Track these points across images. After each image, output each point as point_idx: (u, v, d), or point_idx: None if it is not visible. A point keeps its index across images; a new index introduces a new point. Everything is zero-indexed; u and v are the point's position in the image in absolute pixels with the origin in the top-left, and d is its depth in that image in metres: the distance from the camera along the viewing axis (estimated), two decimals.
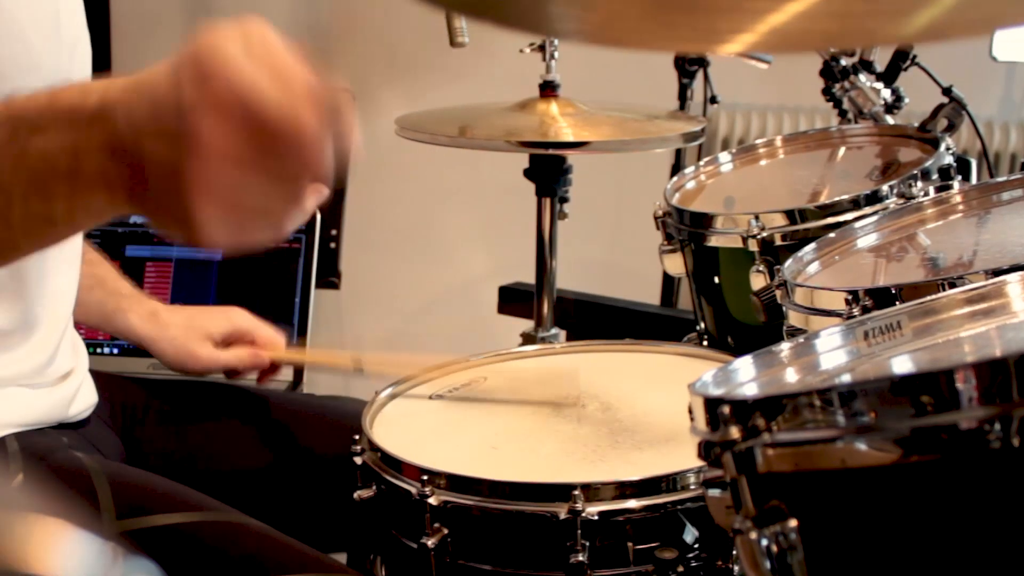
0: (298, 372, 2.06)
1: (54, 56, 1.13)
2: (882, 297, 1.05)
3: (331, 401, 1.52)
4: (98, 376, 1.33)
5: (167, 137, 0.71)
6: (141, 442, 1.36)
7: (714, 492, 0.77)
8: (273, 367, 1.48)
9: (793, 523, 0.71)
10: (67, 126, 0.75)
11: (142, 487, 1.16)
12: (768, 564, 0.71)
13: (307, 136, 0.72)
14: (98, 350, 2.06)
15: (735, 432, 0.71)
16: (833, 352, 0.92)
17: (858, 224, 1.31)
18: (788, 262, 1.23)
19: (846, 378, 0.89)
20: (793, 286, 1.16)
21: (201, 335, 1.44)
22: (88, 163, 0.75)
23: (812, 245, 1.27)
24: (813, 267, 1.26)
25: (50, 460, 1.17)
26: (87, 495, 1.10)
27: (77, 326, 1.33)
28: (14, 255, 0.84)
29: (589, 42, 0.74)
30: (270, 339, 1.47)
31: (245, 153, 0.71)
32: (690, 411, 0.76)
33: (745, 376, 0.87)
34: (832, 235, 1.29)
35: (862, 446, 0.67)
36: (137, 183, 0.74)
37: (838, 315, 1.07)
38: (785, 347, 0.91)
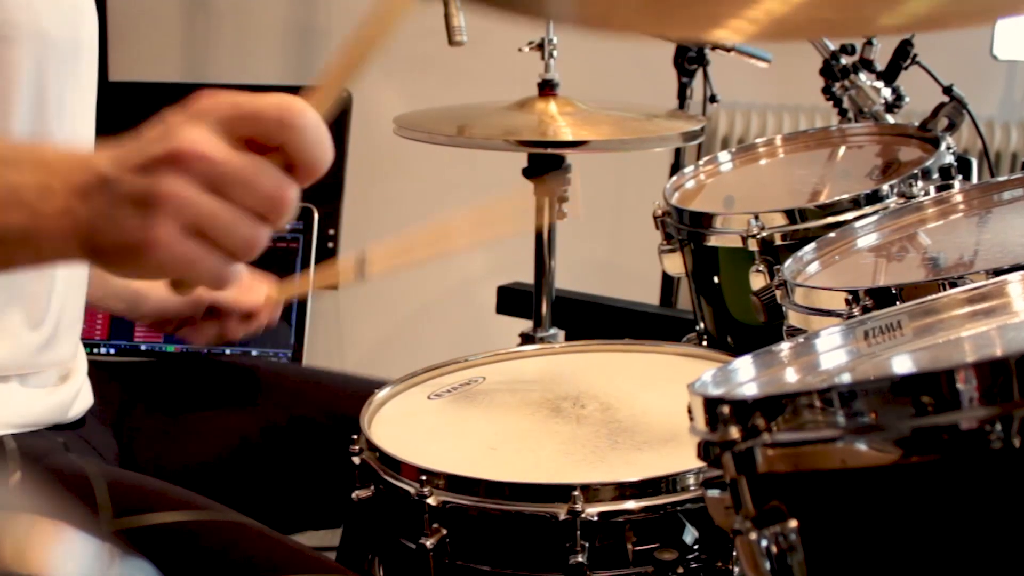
0: (296, 354, 2.06)
1: (59, 23, 1.13)
2: (882, 297, 1.05)
3: (333, 373, 1.52)
4: (90, 368, 1.33)
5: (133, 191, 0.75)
6: (135, 433, 1.36)
7: (713, 492, 0.77)
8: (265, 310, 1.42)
9: (793, 524, 0.71)
10: (43, 168, 0.78)
11: (138, 488, 1.16)
12: (768, 565, 0.71)
13: (298, 119, 0.76)
14: (96, 350, 2.06)
15: (735, 432, 0.71)
16: (833, 352, 0.91)
17: (858, 224, 1.30)
18: (788, 262, 1.23)
19: (846, 378, 0.89)
20: (793, 286, 1.16)
21: None
22: (54, 202, 0.76)
23: (812, 245, 1.27)
24: (813, 267, 1.26)
25: (46, 461, 1.16)
26: (84, 497, 1.10)
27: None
28: None
29: (586, 29, 0.73)
30: (265, 282, 1.42)
31: (205, 197, 0.74)
32: (689, 411, 0.76)
33: (745, 376, 0.87)
34: (832, 235, 1.29)
35: (862, 446, 0.67)
36: (95, 231, 0.76)
37: (838, 315, 1.07)
38: (785, 347, 0.91)
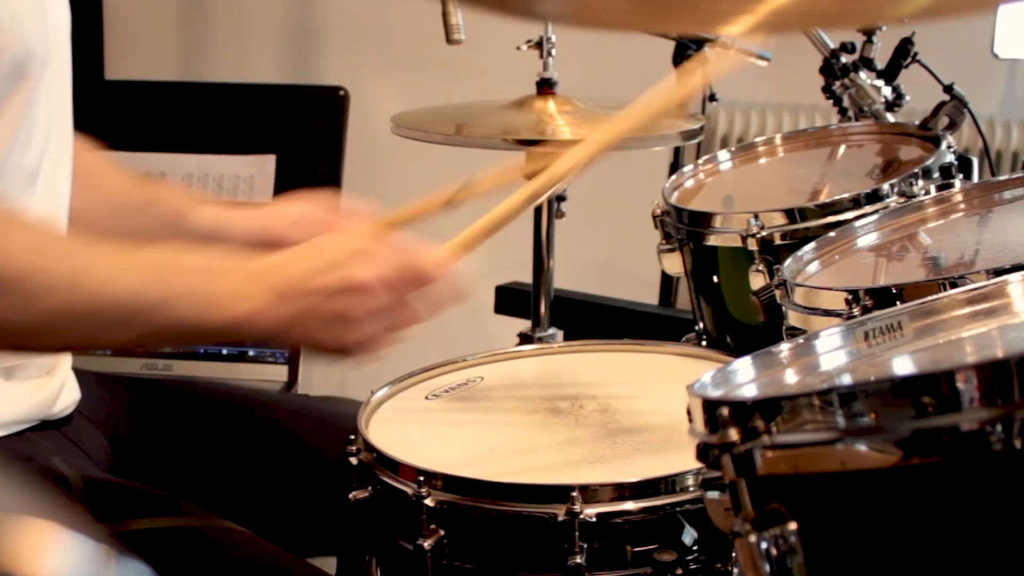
0: (292, 372, 2.05)
1: (37, 37, 1.13)
2: (883, 297, 1.04)
3: (326, 403, 1.51)
4: (85, 375, 1.32)
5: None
6: (127, 444, 1.35)
7: (713, 494, 0.77)
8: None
9: (793, 526, 0.71)
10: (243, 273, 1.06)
11: (123, 492, 1.15)
12: (768, 567, 0.71)
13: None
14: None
15: (734, 434, 0.71)
16: (833, 353, 0.91)
17: (858, 223, 1.30)
18: (788, 261, 1.23)
19: (846, 379, 0.88)
20: (793, 286, 1.16)
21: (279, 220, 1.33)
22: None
23: (812, 244, 1.27)
24: (813, 266, 1.26)
25: (34, 464, 1.16)
26: (70, 499, 1.09)
27: None
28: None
29: (583, 26, 0.73)
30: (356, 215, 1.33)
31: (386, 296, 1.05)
32: (688, 413, 0.76)
33: (744, 377, 0.87)
34: (832, 234, 1.29)
35: (862, 448, 0.67)
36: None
37: (838, 315, 1.06)
38: (784, 348, 0.90)
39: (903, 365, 0.90)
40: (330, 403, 1.50)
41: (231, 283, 1.04)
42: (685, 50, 2.22)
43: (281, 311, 1.03)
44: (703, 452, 0.75)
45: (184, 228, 1.34)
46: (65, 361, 1.28)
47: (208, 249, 1.11)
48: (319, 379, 2.45)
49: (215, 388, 1.47)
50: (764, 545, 0.71)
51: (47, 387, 1.23)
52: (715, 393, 0.81)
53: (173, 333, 1.08)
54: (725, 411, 0.72)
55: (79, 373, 1.31)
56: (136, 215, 1.33)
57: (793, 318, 1.14)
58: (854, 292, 1.06)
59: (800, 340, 0.91)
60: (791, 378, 0.89)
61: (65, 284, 1.00)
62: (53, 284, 1.00)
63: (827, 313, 1.09)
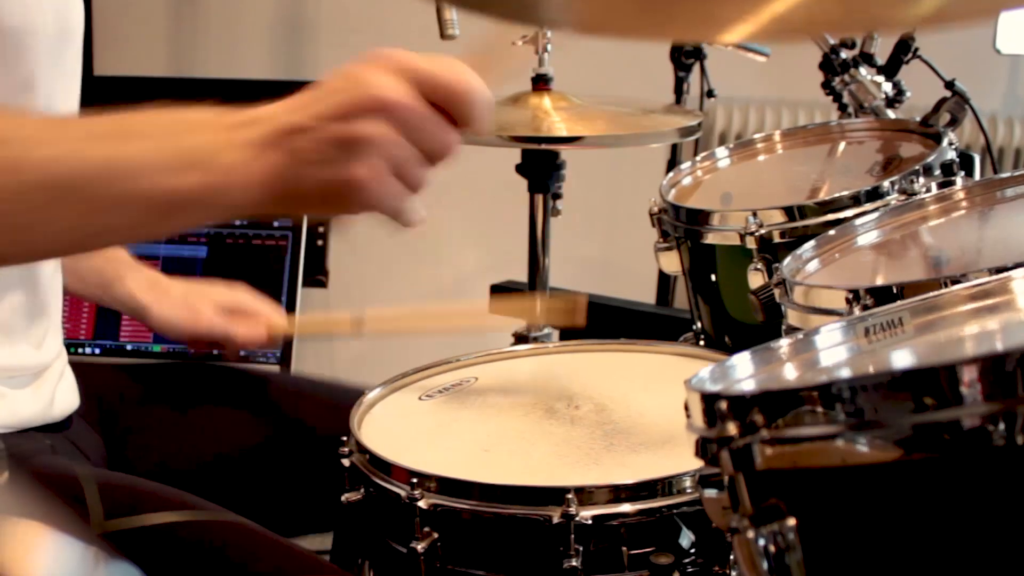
0: (286, 354, 2.05)
1: (48, 13, 1.12)
2: (883, 296, 1.04)
3: (323, 381, 1.51)
4: (77, 369, 1.32)
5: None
6: (123, 435, 1.35)
7: (711, 492, 0.76)
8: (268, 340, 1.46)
9: (791, 522, 0.70)
10: (207, 128, 0.87)
11: (130, 489, 1.15)
12: (765, 564, 0.70)
13: (475, 90, 0.88)
14: (80, 350, 2.05)
15: (732, 428, 0.70)
16: (833, 349, 0.90)
17: (859, 221, 1.29)
18: (787, 260, 1.22)
19: (846, 373, 0.88)
20: (792, 284, 1.15)
21: (203, 300, 1.41)
22: (232, 155, 0.85)
23: (811, 243, 1.26)
24: (812, 265, 1.25)
25: (34, 463, 1.16)
26: (72, 499, 1.08)
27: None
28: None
29: (585, 33, 0.73)
30: (270, 313, 1.44)
31: (402, 139, 0.85)
32: (686, 408, 0.75)
33: (743, 372, 0.86)
34: (832, 232, 1.28)
35: (862, 443, 0.66)
36: (297, 176, 0.85)
37: (838, 314, 1.06)
38: (784, 343, 0.90)
39: (903, 361, 0.89)
40: (327, 382, 1.51)
41: (204, 138, 0.87)
42: (682, 47, 2.21)
43: (269, 158, 0.85)
44: (701, 447, 0.74)
45: (113, 292, 1.39)
46: (62, 365, 1.28)
47: (175, 109, 0.89)
48: (310, 364, 2.44)
49: (209, 369, 1.47)
50: (762, 541, 0.70)
51: (45, 391, 1.23)
52: (713, 387, 0.81)
53: (139, 208, 0.87)
54: (723, 405, 0.71)
55: (75, 368, 1.31)
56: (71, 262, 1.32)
57: (792, 317, 1.13)
58: (854, 291, 1.05)
59: (800, 336, 0.91)
60: (790, 373, 0.88)
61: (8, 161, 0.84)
62: None
63: (827, 312, 1.08)
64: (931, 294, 0.95)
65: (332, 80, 0.87)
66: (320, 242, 2.22)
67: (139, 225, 0.89)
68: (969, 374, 0.62)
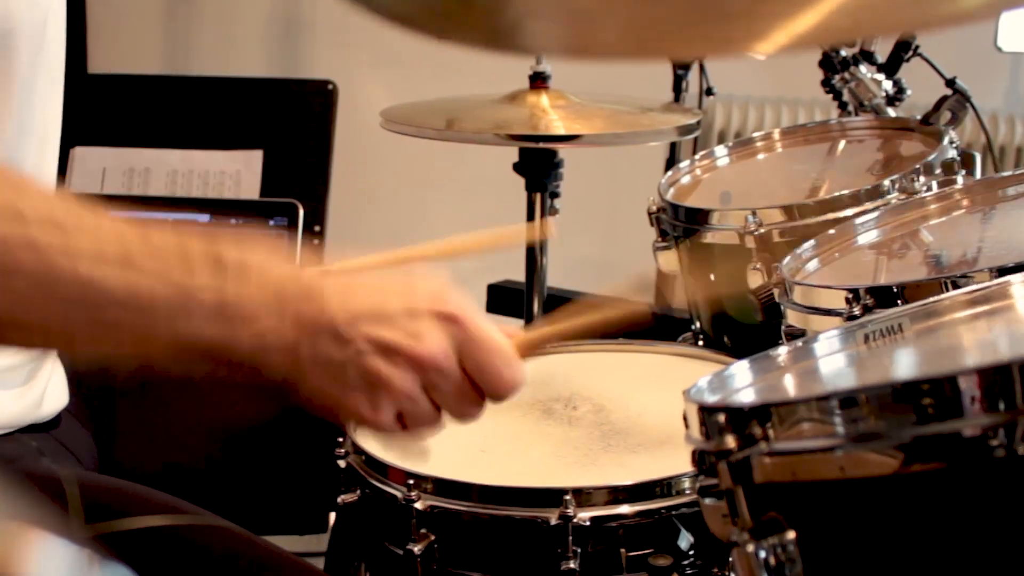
0: None
1: (26, 7, 1.10)
2: (884, 295, 1.04)
3: None
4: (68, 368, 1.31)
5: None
6: (115, 432, 1.34)
7: (710, 501, 0.75)
8: None
9: (791, 535, 0.70)
10: (269, 288, 0.81)
11: (116, 492, 1.15)
12: None
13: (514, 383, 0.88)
14: None
15: (731, 441, 0.70)
16: (832, 356, 0.90)
17: (859, 220, 1.29)
18: (786, 259, 1.22)
19: (845, 384, 0.87)
20: (792, 284, 1.15)
21: None
22: (283, 335, 0.81)
23: (811, 242, 1.26)
24: (812, 264, 1.25)
25: (20, 465, 1.15)
26: (59, 501, 1.08)
27: None
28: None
29: (577, 58, 0.72)
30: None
31: (424, 398, 0.84)
32: (685, 419, 0.75)
33: (741, 382, 0.86)
34: (832, 232, 1.27)
35: (862, 455, 0.66)
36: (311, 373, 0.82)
37: (838, 314, 1.06)
38: (782, 351, 0.89)
39: (904, 369, 0.89)
40: None
41: (252, 296, 0.80)
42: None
43: (294, 339, 0.81)
44: (699, 460, 0.74)
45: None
46: (52, 363, 1.27)
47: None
48: None
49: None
50: (762, 555, 0.69)
51: (33, 389, 1.22)
52: (712, 399, 0.81)
53: (163, 345, 0.81)
54: (722, 418, 0.71)
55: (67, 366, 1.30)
56: None
57: (792, 317, 1.13)
58: (854, 291, 1.05)
59: (799, 343, 0.90)
60: (789, 382, 0.88)
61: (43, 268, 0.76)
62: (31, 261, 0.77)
63: (827, 312, 1.08)
64: (930, 299, 0.94)
65: (396, 292, 0.85)
66: (316, 240, 2.21)
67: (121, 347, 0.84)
68: (969, 385, 0.62)
